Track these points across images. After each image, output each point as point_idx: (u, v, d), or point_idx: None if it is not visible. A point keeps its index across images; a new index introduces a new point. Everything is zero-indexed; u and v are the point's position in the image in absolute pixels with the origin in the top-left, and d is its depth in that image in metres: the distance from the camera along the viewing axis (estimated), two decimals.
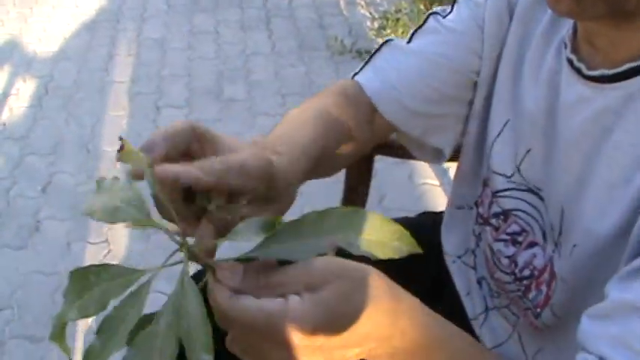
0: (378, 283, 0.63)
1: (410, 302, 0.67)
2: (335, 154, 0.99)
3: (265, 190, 0.76)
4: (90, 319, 2.26)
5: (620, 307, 0.72)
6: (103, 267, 0.65)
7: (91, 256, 2.53)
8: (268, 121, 3.26)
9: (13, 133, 3.16)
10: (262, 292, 0.61)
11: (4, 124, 3.21)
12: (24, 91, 3.44)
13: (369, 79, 1.06)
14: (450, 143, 1.11)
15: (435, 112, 1.07)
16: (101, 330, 0.62)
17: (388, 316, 0.63)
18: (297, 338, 0.59)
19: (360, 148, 1.07)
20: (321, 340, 0.60)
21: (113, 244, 2.59)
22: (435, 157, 1.15)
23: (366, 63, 1.10)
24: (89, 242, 2.59)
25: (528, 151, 0.95)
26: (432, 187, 2.87)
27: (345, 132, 1.00)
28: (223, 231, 0.69)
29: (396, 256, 0.66)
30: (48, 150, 3.06)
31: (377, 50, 1.10)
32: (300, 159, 0.86)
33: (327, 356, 0.62)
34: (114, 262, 2.38)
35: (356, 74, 1.09)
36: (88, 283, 0.63)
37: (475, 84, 1.04)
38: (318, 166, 0.91)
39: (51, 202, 2.77)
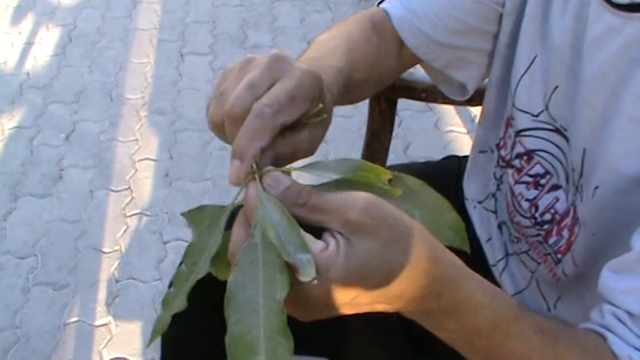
0: (419, 241, 0.60)
1: (450, 265, 0.64)
2: (362, 81, 0.96)
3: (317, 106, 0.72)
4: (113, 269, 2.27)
5: None
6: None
7: (114, 204, 2.53)
8: None
9: (36, 82, 3.14)
10: (299, 211, 0.60)
11: (28, 73, 3.20)
12: (47, 40, 3.42)
13: (394, 6, 1.05)
14: (475, 78, 1.09)
15: (457, 44, 1.04)
16: (187, 256, 0.67)
17: (425, 277, 0.61)
18: (325, 288, 0.57)
19: (386, 76, 1.07)
20: (351, 293, 0.58)
21: (136, 191, 2.58)
22: (460, 92, 1.13)
23: None
24: (112, 190, 2.59)
25: (555, 88, 0.91)
26: (458, 134, 2.82)
27: (372, 60, 0.98)
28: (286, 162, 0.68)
29: (444, 244, 0.64)
30: (71, 98, 3.04)
31: None
32: (335, 81, 0.84)
33: (354, 309, 0.61)
34: (136, 210, 2.40)
35: (381, 2, 1.08)
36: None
37: (500, 17, 1.01)
38: (347, 92, 0.89)
39: (74, 151, 2.77)
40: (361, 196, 0.59)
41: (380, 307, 0.62)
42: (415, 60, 1.07)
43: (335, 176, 0.64)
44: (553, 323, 0.72)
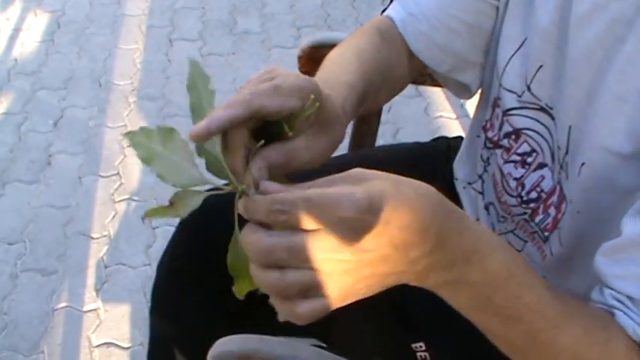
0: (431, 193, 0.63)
1: (456, 208, 0.65)
2: (376, 91, 0.97)
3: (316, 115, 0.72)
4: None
5: (638, 243, 0.71)
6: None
7: (103, 190, 2.52)
8: (283, 54, 3.21)
9: (24, 68, 3.13)
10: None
11: (16, 60, 3.18)
12: (35, 27, 3.40)
13: (396, 11, 1.06)
14: (479, 77, 1.10)
15: (458, 50, 1.04)
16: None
17: (448, 219, 0.63)
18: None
19: (399, 83, 1.07)
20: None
21: (125, 177, 2.57)
22: (463, 91, 1.13)
23: None
24: (100, 176, 2.58)
25: (540, 67, 0.91)
26: (447, 119, 2.82)
27: (383, 70, 0.99)
28: (282, 170, 0.69)
29: None
30: (60, 84, 3.03)
31: None
32: (349, 98, 0.85)
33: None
34: (125, 196, 2.40)
35: (384, 10, 1.09)
36: None
37: (497, 10, 1.01)
38: (362, 105, 0.90)
39: (63, 137, 2.75)
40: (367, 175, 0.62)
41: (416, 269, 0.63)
42: (423, 65, 1.07)
43: None
44: (556, 286, 0.73)
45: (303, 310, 0.60)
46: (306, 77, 0.70)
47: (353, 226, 0.57)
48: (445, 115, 2.83)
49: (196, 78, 0.70)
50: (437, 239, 0.61)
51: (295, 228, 0.58)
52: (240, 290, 0.70)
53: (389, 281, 0.63)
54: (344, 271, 0.59)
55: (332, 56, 0.97)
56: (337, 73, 0.89)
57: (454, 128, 2.74)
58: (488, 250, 0.66)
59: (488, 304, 0.68)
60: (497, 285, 0.67)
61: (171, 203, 0.66)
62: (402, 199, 0.59)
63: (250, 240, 0.60)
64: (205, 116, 0.65)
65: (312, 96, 0.69)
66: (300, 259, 0.58)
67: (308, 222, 0.58)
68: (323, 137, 0.74)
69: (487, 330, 0.72)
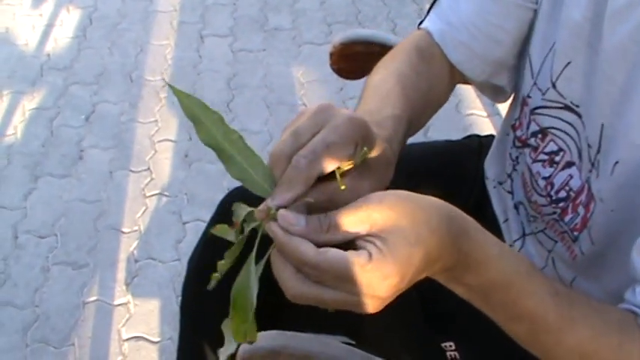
0: (436, 208, 0.66)
1: (462, 219, 0.69)
2: (420, 115, 0.97)
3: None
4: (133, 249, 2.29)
5: None
6: None
7: (133, 185, 2.54)
8: (314, 51, 3.21)
9: (57, 64, 3.15)
10: (326, 237, 0.64)
11: (49, 55, 3.20)
12: (68, 22, 3.42)
13: (433, 22, 1.05)
14: (512, 79, 1.08)
15: (498, 58, 1.03)
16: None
17: (448, 236, 0.65)
18: (384, 288, 0.62)
19: (442, 99, 1.07)
20: (408, 277, 0.63)
21: (155, 172, 2.58)
22: (499, 95, 1.13)
23: (430, 8, 1.08)
24: (131, 170, 2.59)
25: (568, 64, 0.90)
26: (479, 117, 2.80)
27: (424, 92, 0.99)
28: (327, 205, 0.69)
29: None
30: (92, 80, 3.05)
31: None
32: (395, 132, 0.85)
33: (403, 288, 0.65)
34: (155, 191, 2.41)
35: (421, 22, 1.08)
36: None
37: (535, 14, 0.99)
38: (409, 132, 0.92)
39: (94, 131, 2.78)
40: (372, 197, 0.64)
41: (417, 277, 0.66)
42: (461, 76, 1.07)
43: None
44: (569, 290, 0.74)
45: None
46: (358, 119, 0.69)
47: (358, 279, 0.62)
48: (476, 112, 2.81)
49: (192, 109, 0.71)
50: (438, 247, 0.65)
51: None
52: (237, 332, 0.68)
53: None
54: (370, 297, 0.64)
55: (374, 83, 0.96)
56: (381, 106, 0.89)
57: (485, 126, 2.72)
58: (485, 258, 0.69)
59: (486, 301, 0.72)
60: (493, 289, 0.70)
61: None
62: (417, 253, 0.63)
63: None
64: (237, 155, 0.69)
65: (365, 148, 0.70)
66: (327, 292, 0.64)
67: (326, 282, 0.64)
68: (369, 178, 0.74)
69: (494, 320, 0.75)
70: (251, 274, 0.67)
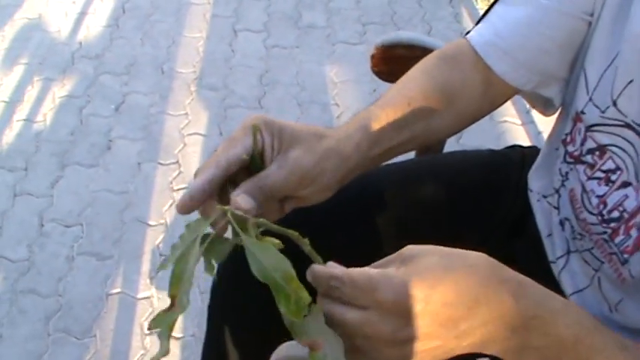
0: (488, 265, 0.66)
1: (515, 275, 0.68)
2: (428, 114, 0.97)
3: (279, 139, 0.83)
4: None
5: None
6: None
7: (161, 177, 2.52)
8: (347, 50, 3.18)
9: (88, 52, 3.15)
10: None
11: (80, 43, 3.20)
12: (101, 11, 3.42)
13: (479, 33, 1.02)
14: (561, 91, 1.05)
15: (546, 68, 1.00)
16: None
17: (507, 295, 0.65)
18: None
19: (470, 107, 1.03)
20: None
21: (184, 165, 2.57)
22: (547, 106, 1.09)
23: (479, 21, 1.05)
24: (160, 163, 2.58)
25: (630, 82, 0.86)
26: (512, 125, 2.76)
27: (433, 92, 0.98)
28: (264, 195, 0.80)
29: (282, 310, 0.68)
30: (122, 70, 3.04)
31: (490, 7, 1.04)
32: (357, 148, 0.88)
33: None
34: (183, 185, 2.39)
35: (468, 32, 1.05)
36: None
37: (589, 26, 0.96)
38: (404, 127, 0.93)
39: (123, 122, 2.76)
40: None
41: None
42: (506, 87, 1.03)
43: None
44: (635, 343, 0.72)
45: None
46: (253, 117, 0.81)
47: (394, 308, 0.62)
48: (510, 120, 2.77)
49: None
50: (489, 310, 0.63)
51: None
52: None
53: (439, 355, 0.65)
54: (389, 343, 0.63)
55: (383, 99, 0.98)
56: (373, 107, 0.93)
57: (519, 134, 2.68)
58: (549, 314, 0.67)
59: None
60: (565, 347, 0.68)
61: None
62: (446, 276, 0.63)
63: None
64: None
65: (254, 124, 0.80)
66: (349, 333, 0.64)
67: (355, 301, 0.63)
68: (293, 153, 0.81)
69: None
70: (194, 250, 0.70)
